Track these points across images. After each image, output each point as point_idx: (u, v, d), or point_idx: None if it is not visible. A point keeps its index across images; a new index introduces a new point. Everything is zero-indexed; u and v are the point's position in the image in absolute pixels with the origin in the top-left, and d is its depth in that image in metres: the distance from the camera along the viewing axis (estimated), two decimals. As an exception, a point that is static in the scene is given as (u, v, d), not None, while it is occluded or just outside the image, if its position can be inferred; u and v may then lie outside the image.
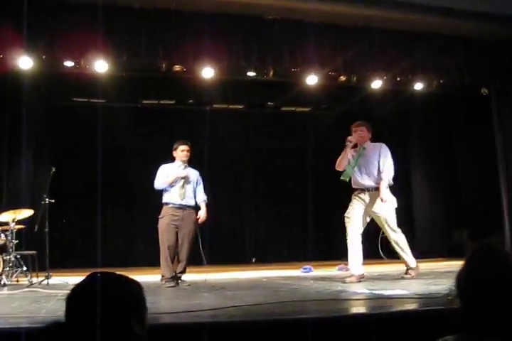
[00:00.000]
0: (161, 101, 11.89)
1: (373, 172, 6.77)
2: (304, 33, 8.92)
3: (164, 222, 6.98)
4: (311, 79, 9.76)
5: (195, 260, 10.28)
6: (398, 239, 6.76)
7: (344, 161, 6.88)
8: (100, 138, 10.66)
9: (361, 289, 5.30)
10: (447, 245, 12.11)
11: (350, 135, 7.01)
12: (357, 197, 6.84)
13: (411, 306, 4.01)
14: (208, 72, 9.31)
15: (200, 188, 7.37)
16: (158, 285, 6.72)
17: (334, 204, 13.20)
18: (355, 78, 10.21)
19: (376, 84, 10.19)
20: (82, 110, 11.68)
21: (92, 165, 11.38)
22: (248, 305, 4.42)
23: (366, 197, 6.77)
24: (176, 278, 6.83)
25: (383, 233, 7.05)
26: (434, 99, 11.73)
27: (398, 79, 10.17)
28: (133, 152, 12.30)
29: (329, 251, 12.68)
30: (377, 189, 6.66)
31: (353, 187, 6.94)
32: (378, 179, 6.70)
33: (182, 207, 7.04)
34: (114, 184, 11.54)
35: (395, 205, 6.81)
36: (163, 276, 6.86)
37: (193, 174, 7.37)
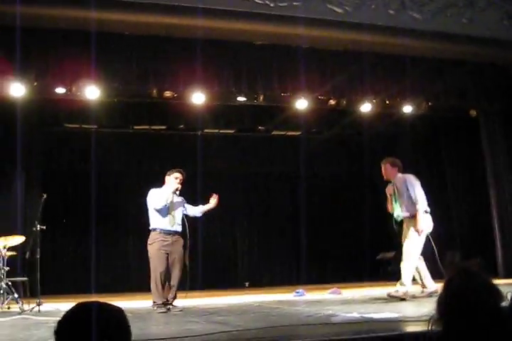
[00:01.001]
0: (153, 127, 11.96)
1: (404, 203, 7.11)
2: (293, 57, 9.05)
3: (155, 248, 6.84)
4: (301, 104, 9.85)
5: (189, 285, 10.31)
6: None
7: (390, 205, 7.31)
8: (92, 163, 10.73)
9: (351, 313, 5.29)
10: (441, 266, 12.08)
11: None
12: (403, 226, 7.26)
13: (398, 330, 4.02)
14: (198, 98, 9.39)
15: (190, 207, 7.37)
16: (150, 310, 6.68)
17: (327, 228, 13.28)
18: (344, 102, 10.32)
19: (366, 107, 10.28)
20: (74, 136, 11.73)
21: (83, 191, 11.44)
22: (237, 330, 4.43)
23: (405, 225, 7.18)
24: (167, 303, 6.72)
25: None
26: (423, 122, 11.82)
27: (387, 102, 10.29)
28: (124, 177, 12.30)
29: (323, 275, 12.68)
30: (409, 217, 7.09)
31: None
32: (410, 208, 7.07)
33: (171, 233, 6.95)
34: (106, 209, 11.50)
35: (430, 230, 7.19)
36: (154, 302, 6.72)
37: (180, 201, 7.28)
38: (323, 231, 13.24)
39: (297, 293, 8.71)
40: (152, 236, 6.94)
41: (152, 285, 6.73)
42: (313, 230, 12.94)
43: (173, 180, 7.08)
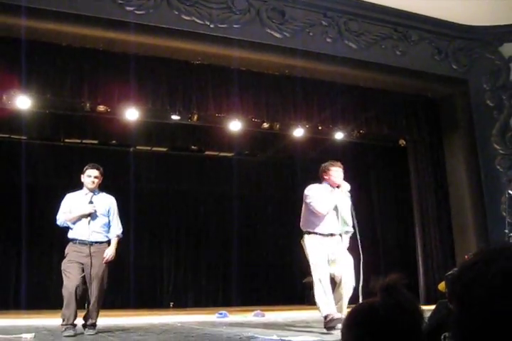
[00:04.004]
0: (84, 141, 11.76)
1: (348, 217, 6.26)
2: (230, 79, 9.12)
3: (66, 260, 5.89)
4: (235, 125, 9.91)
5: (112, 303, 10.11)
6: (353, 284, 6.20)
7: (330, 206, 6.18)
8: (21, 175, 10.46)
9: (271, 335, 5.29)
10: (364, 293, 12.27)
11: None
12: (319, 241, 6.17)
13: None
14: (132, 114, 9.33)
15: (114, 219, 6.23)
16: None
17: (256, 250, 13.30)
18: (278, 126, 10.46)
19: (298, 132, 10.44)
20: (2, 146, 11.41)
21: (10, 203, 11.13)
22: (154, 349, 4.37)
23: (332, 241, 6.20)
24: (86, 326, 5.93)
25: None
26: (354, 148, 12.06)
27: (319, 128, 10.47)
28: (53, 190, 11.98)
29: (249, 297, 12.67)
30: (346, 233, 6.28)
31: (319, 231, 6.22)
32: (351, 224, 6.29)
33: (87, 243, 5.91)
34: (34, 222, 11.22)
35: None
36: (63, 320, 5.72)
37: (105, 203, 6.20)
38: (252, 253, 13.27)
39: (220, 314, 8.66)
40: (68, 247, 6.01)
41: (65, 302, 5.73)
42: (242, 252, 12.96)
43: (86, 179, 6.13)
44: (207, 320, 8.17)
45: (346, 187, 6.25)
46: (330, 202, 6.12)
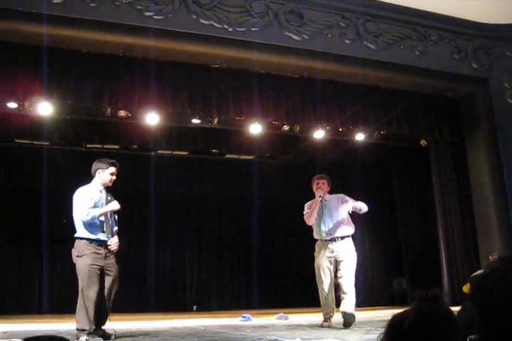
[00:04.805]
0: (105, 146, 11.82)
1: (340, 222, 6.88)
2: (249, 82, 9.12)
3: (86, 263, 5.45)
4: (255, 128, 9.91)
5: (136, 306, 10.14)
6: (353, 287, 6.79)
7: (314, 216, 6.93)
8: (43, 180, 10.56)
9: (295, 338, 5.27)
10: (387, 293, 12.22)
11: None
12: (323, 247, 6.94)
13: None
14: (152, 118, 9.37)
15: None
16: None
17: (279, 253, 13.27)
18: (298, 128, 10.44)
19: (319, 134, 10.40)
20: (25, 152, 11.52)
21: (33, 208, 11.23)
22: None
23: (333, 246, 6.86)
24: (102, 330, 5.64)
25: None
26: (375, 149, 12.00)
27: (340, 129, 10.42)
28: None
29: (273, 300, 12.65)
30: (342, 238, 6.84)
31: (318, 238, 7.03)
32: (345, 228, 6.89)
33: (103, 244, 5.63)
34: (55, 227, 11.30)
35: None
36: (82, 330, 5.40)
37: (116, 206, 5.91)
38: (275, 256, 13.24)
39: (243, 317, 8.64)
40: (80, 246, 5.57)
41: (81, 309, 5.43)
42: (265, 254, 12.94)
43: (107, 176, 5.91)
44: (230, 324, 8.15)
45: (318, 195, 6.91)
46: (311, 212, 6.91)
